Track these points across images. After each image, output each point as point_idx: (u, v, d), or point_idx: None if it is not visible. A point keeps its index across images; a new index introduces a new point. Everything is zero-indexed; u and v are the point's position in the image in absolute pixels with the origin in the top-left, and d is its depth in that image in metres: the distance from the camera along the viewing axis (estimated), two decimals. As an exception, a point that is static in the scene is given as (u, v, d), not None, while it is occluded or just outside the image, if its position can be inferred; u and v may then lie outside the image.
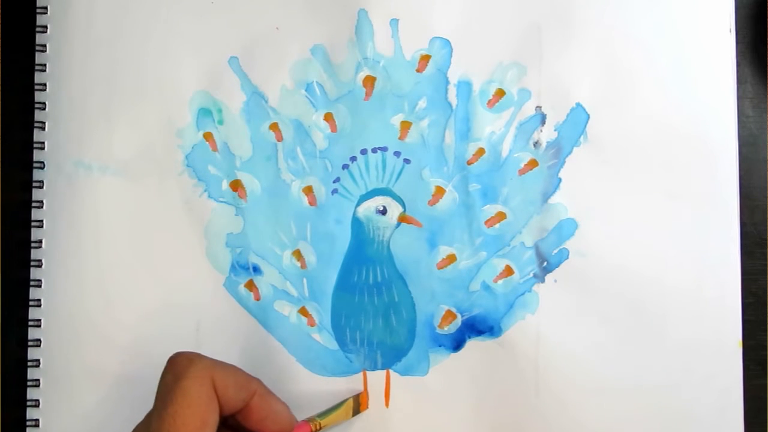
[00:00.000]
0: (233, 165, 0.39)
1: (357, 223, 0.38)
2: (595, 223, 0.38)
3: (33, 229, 0.38)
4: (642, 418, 0.37)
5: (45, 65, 0.39)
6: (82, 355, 0.38)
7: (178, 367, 0.31)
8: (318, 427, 0.34)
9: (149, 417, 0.30)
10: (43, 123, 0.39)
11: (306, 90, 0.39)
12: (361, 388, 0.38)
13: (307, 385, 0.38)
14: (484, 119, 0.39)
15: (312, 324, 0.38)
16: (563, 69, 0.38)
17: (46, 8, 0.39)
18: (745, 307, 0.38)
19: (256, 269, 0.38)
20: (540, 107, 0.39)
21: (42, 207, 0.39)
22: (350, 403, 0.37)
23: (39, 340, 0.38)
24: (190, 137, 0.39)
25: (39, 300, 0.38)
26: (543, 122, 0.38)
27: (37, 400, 0.38)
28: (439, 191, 0.38)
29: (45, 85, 0.39)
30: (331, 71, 0.39)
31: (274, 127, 0.39)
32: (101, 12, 0.39)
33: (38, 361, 0.38)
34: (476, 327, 0.38)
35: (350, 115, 0.39)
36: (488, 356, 0.38)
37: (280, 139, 0.39)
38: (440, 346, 0.38)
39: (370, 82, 0.39)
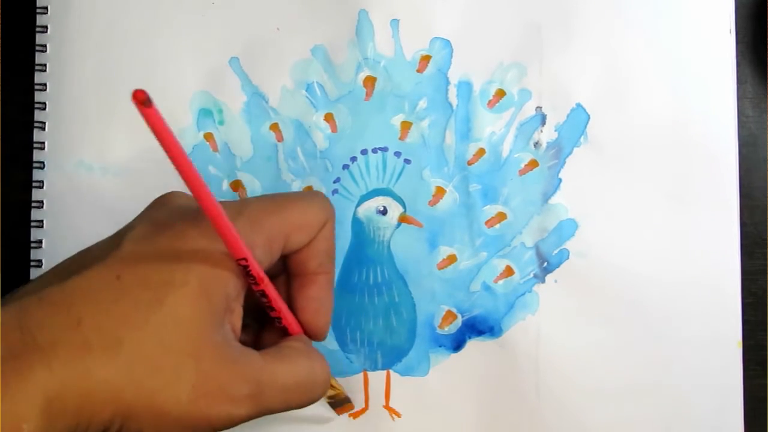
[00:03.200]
0: (234, 165, 0.39)
1: (357, 224, 0.38)
2: (596, 224, 0.38)
3: (33, 229, 0.38)
4: (642, 418, 0.37)
5: (45, 65, 0.39)
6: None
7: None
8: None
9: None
10: (43, 123, 0.39)
11: (306, 90, 0.39)
12: (361, 388, 0.38)
13: (307, 386, 0.38)
14: (484, 119, 0.39)
15: (312, 324, 0.38)
16: (563, 69, 0.38)
17: (46, 8, 0.39)
18: (745, 307, 0.38)
19: (257, 269, 0.38)
20: (540, 108, 0.39)
21: (42, 207, 0.39)
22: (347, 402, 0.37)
23: (39, 340, 0.38)
24: (191, 137, 0.39)
25: (39, 300, 0.38)
26: (543, 123, 0.38)
27: (38, 401, 0.38)
28: (440, 191, 0.38)
29: (45, 85, 0.39)
30: (331, 71, 0.39)
31: (274, 127, 0.39)
32: (101, 12, 0.39)
33: (38, 361, 0.38)
34: (477, 327, 0.38)
35: (351, 116, 0.39)
36: (489, 357, 0.38)
37: (280, 139, 0.39)
38: (440, 346, 0.38)
39: (370, 82, 0.39)
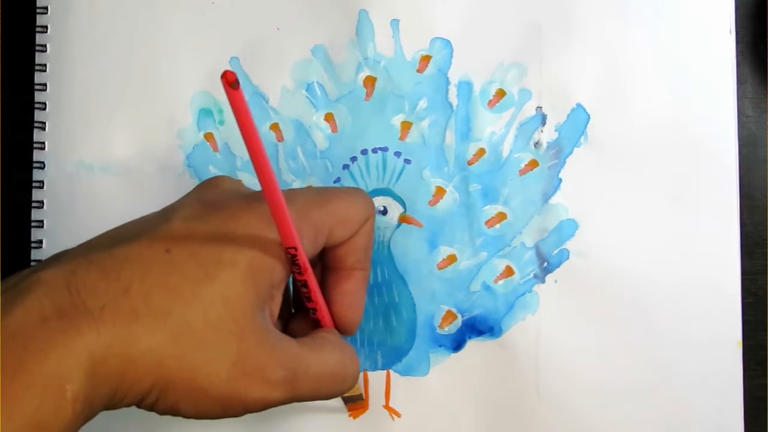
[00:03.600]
0: (234, 165, 0.39)
1: (357, 224, 0.38)
2: (596, 224, 0.38)
3: (33, 229, 0.38)
4: (642, 418, 0.37)
5: (45, 65, 0.39)
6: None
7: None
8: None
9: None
10: (43, 123, 0.39)
11: (306, 90, 0.39)
12: (361, 388, 0.38)
13: (307, 386, 0.38)
14: (484, 119, 0.39)
15: (312, 324, 0.38)
16: (564, 69, 0.39)
17: (46, 8, 0.39)
18: (744, 307, 0.38)
19: (257, 269, 0.38)
20: (540, 108, 0.39)
21: (42, 207, 0.39)
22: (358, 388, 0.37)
23: (39, 340, 0.38)
24: (191, 137, 0.39)
25: (39, 300, 0.38)
26: (543, 123, 0.38)
27: (38, 401, 0.38)
28: (440, 191, 0.38)
29: (45, 85, 0.39)
30: (331, 71, 0.39)
31: (274, 127, 0.39)
32: (102, 12, 0.39)
33: (38, 361, 0.38)
34: (476, 327, 0.38)
35: (351, 116, 0.39)
36: (489, 357, 0.38)
37: (280, 139, 0.39)
38: (440, 346, 0.38)
39: (370, 82, 0.39)
